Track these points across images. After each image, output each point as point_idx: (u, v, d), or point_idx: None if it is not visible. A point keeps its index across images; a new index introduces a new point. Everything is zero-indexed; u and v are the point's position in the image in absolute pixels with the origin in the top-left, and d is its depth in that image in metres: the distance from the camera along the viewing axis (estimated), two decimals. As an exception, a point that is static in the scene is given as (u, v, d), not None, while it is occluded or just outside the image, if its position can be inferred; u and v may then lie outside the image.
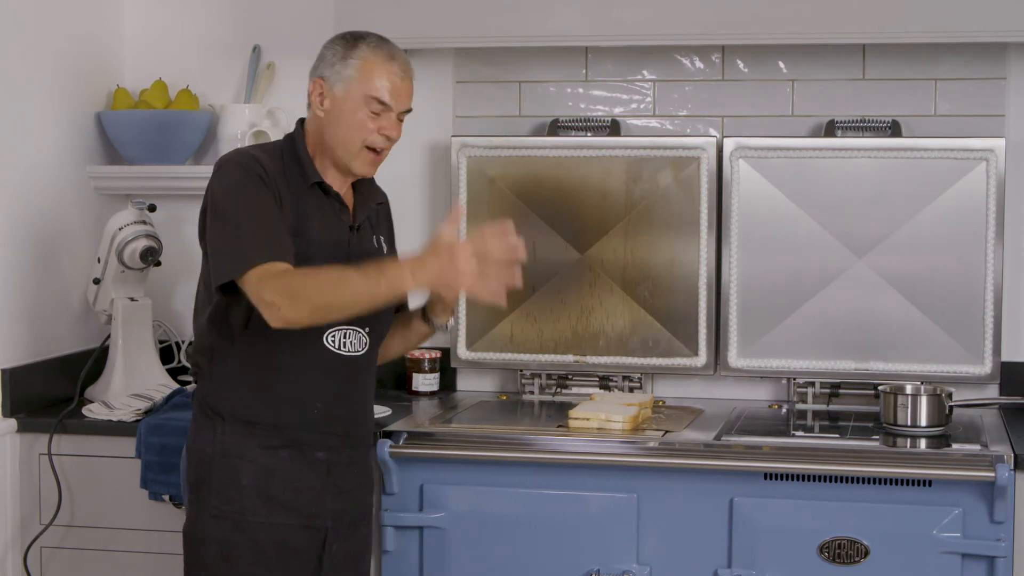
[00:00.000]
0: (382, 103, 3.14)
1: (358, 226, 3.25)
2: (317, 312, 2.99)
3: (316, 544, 3.20)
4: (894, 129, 3.96)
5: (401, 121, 3.20)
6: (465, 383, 4.26)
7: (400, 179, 4.25)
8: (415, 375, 4.15)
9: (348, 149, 3.16)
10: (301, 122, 3.27)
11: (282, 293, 2.96)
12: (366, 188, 3.31)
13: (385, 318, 3.29)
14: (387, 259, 3.20)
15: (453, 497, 3.59)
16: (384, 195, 3.41)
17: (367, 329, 3.24)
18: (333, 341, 3.18)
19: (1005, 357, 3.93)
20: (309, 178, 3.18)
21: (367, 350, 3.25)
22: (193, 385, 3.36)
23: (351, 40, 3.20)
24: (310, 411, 3.18)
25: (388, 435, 3.60)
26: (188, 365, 4.16)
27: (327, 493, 3.21)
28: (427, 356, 4.15)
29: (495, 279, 2.99)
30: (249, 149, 3.22)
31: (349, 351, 3.21)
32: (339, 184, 3.24)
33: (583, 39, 3.95)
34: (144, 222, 4.04)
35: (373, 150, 3.18)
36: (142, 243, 4.00)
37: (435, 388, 4.17)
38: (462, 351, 4.16)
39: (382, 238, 3.35)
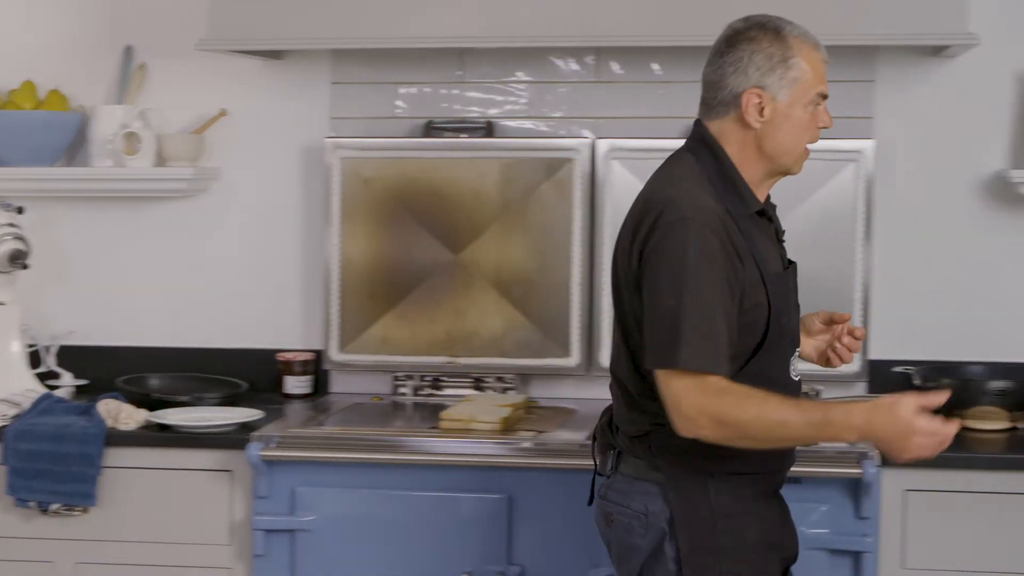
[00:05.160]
0: (825, 96, 2.82)
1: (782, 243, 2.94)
2: (736, 441, 2.67)
3: None
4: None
5: None
6: (339, 385, 4.22)
7: (275, 181, 4.22)
8: (287, 377, 4.11)
9: (794, 153, 2.82)
10: (710, 142, 2.83)
11: (710, 416, 2.63)
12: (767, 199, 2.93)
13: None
14: (832, 404, 2.73)
15: (325, 500, 3.57)
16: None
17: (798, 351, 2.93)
18: (794, 370, 2.89)
19: (873, 355, 3.97)
20: (750, 207, 2.80)
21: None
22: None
23: (774, 34, 2.79)
24: (791, 450, 2.90)
25: (259, 438, 3.57)
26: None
27: (791, 524, 2.93)
28: (298, 359, 4.12)
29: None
30: (700, 199, 2.73)
31: (798, 376, 2.91)
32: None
33: (458, 40, 3.93)
34: (12, 224, 3.97)
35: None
36: (10, 245, 3.94)
37: (308, 391, 4.13)
38: (334, 353, 4.13)
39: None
